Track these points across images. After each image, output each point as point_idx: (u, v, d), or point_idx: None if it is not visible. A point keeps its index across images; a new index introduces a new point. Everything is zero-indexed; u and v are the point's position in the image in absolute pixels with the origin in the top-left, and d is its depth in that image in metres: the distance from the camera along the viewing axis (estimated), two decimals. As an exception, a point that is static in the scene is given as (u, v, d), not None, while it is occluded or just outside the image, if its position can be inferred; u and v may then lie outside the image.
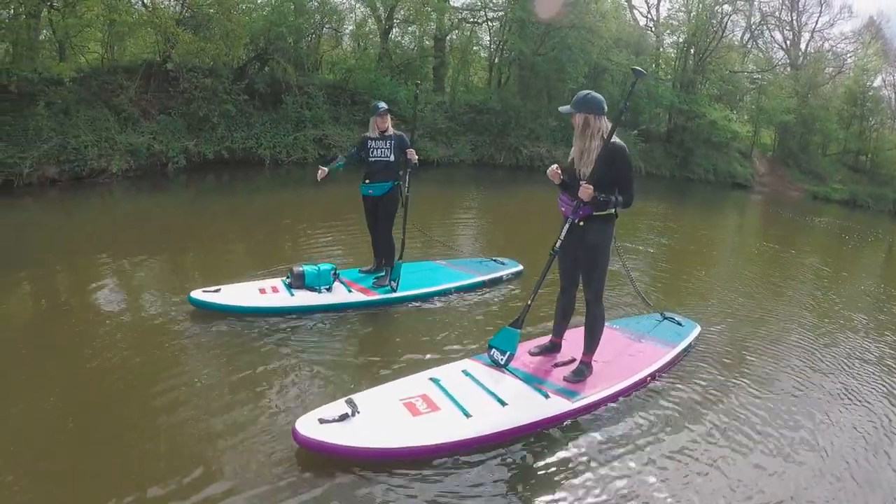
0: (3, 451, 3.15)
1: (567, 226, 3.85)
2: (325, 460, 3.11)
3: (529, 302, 4.10)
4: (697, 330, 5.31)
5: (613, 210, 3.83)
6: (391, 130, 5.70)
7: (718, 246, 11.95)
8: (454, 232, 10.24)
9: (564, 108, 3.83)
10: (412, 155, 5.62)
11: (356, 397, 3.45)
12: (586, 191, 3.64)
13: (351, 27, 21.96)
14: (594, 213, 3.78)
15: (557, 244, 3.91)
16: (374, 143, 5.67)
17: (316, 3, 18.69)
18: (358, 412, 3.26)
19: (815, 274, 9.78)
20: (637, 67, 3.75)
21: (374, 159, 5.67)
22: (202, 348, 4.49)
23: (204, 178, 14.03)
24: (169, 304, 5.36)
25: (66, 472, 3.02)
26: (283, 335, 4.76)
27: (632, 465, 3.39)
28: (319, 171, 5.70)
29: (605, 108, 3.74)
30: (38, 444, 3.23)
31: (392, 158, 5.67)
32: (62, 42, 13.29)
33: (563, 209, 3.91)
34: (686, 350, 4.94)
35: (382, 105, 5.67)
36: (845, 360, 5.43)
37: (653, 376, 4.38)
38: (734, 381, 4.62)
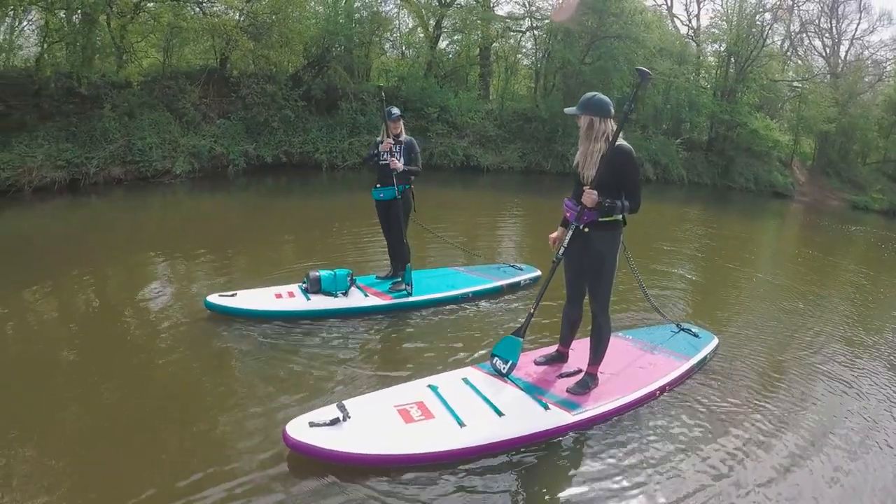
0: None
1: (570, 232, 3.60)
2: (314, 464, 2.97)
3: (532, 311, 3.85)
4: (714, 342, 4.79)
5: (620, 216, 3.55)
6: (404, 136, 5.44)
7: (751, 254, 11.17)
8: (488, 238, 9.81)
9: (570, 110, 3.54)
10: (394, 164, 5.33)
11: (349, 402, 3.30)
12: (590, 196, 3.40)
13: (395, 35, 21.47)
14: (600, 220, 3.50)
15: (560, 251, 3.65)
16: (384, 147, 5.42)
17: (365, 13, 18.14)
18: (349, 417, 3.12)
19: (851, 285, 8.88)
20: (642, 68, 3.44)
21: (383, 163, 5.40)
22: (214, 351, 4.34)
23: (263, 181, 13.75)
24: (198, 305, 5.13)
25: (74, 460, 3.01)
26: (293, 340, 4.57)
27: (630, 484, 3.08)
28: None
29: (612, 110, 3.45)
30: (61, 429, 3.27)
31: (401, 163, 5.38)
32: (120, 47, 13.01)
33: (568, 214, 3.63)
34: (700, 363, 4.47)
35: (396, 111, 5.41)
36: (885, 386, 4.67)
37: (662, 390, 3.99)
38: (752, 399, 4.13)
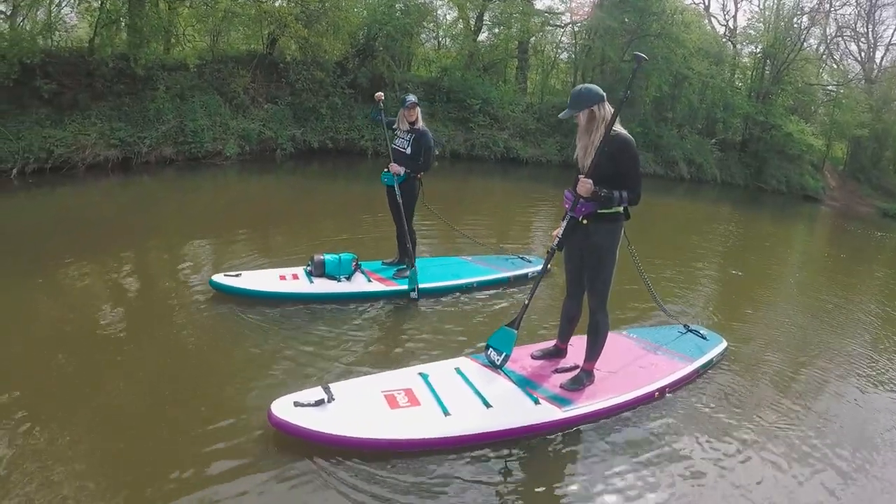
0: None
1: (565, 222, 3.34)
2: (297, 444, 2.85)
3: (527, 302, 3.62)
4: (723, 346, 4.43)
5: (622, 208, 3.27)
6: (420, 124, 5.11)
7: (776, 255, 10.50)
8: (515, 228, 9.38)
9: (565, 113, 3.24)
10: (394, 169, 5.07)
11: (336, 385, 3.17)
12: (584, 186, 3.13)
13: (432, 26, 20.64)
14: (599, 212, 3.22)
15: (555, 242, 3.42)
16: (398, 132, 5.20)
17: (410, 3, 17.38)
18: (333, 399, 3.00)
19: (877, 294, 8.14)
20: (639, 53, 3.22)
21: (393, 147, 5.19)
22: (212, 329, 4.19)
23: (309, 165, 13.34)
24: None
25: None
26: (292, 321, 4.36)
27: (612, 486, 2.84)
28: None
29: (604, 94, 3.20)
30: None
31: (409, 152, 5.07)
32: (169, 31, 12.58)
33: (566, 206, 3.33)
34: (705, 367, 4.12)
35: (411, 98, 5.09)
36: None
37: (661, 392, 3.69)
38: (756, 407, 3.75)
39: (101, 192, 9.15)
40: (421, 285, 5.06)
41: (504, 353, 3.56)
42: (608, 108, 3.18)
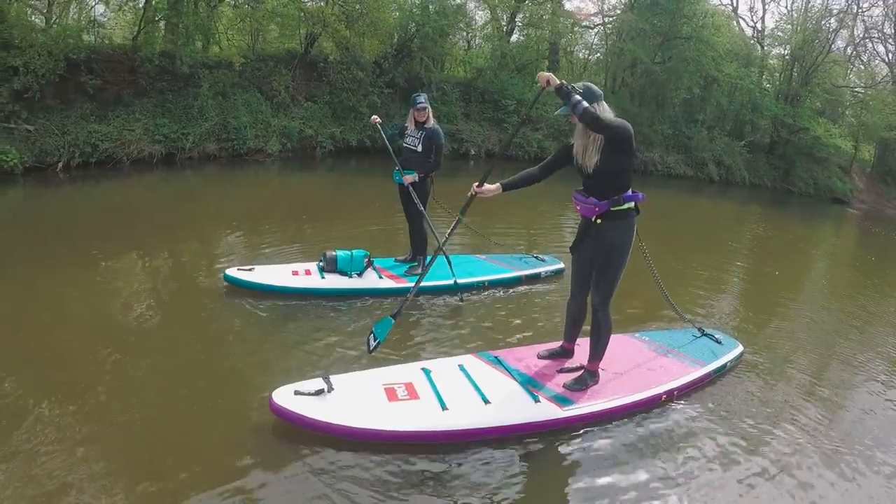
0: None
1: (493, 184, 3.33)
2: (295, 431, 2.80)
3: (409, 295, 3.64)
4: (738, 351, 4.16)
5: (632, 204, 3.15)
6: (430, 123, 4.92)
7: (802, 258, 9.82)
8: (538, 228, 9.03)
9: (561, 111, 3.06)
10: (407, 180, 4.92)
11: (338, 376, 3.12)
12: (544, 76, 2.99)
13: (462, 26, 20.06)
14: (612, 210, 3.11)
15: (463, 212, 3.46)
16: (408, 131, 5.03)
17: (448, 3, 16.81)
18: (333, 389, 2.96)
19: None
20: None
21: (404, 146, 5.05)
22: (227, 320, 4.17)
23: (347, 163, 12.94)
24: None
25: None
26: (303, 315, 4.28)
27: (605, 489, 2.68)
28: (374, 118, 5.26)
29: (601, 93, 3.09)
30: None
31: (419, 150, 4.91)
32: (207, 29, 12.24)
33: (577, 207, 3.25)
34: (718, 372, 3.89)
35: (421, 99, 4.88)
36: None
37: (669, 395, 3.51)
38: (768, 418, 3.43)
39: (144, 186, 8.85)
40: (432, 283, 4.84)
41: (377, 341, 3.43)
42: (606, 108, 3.04)
